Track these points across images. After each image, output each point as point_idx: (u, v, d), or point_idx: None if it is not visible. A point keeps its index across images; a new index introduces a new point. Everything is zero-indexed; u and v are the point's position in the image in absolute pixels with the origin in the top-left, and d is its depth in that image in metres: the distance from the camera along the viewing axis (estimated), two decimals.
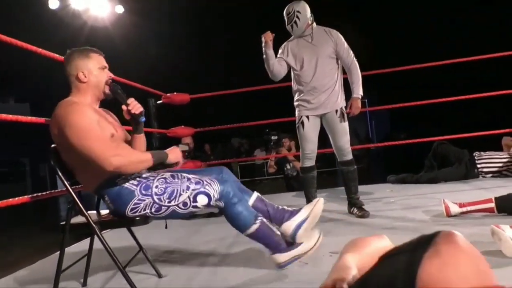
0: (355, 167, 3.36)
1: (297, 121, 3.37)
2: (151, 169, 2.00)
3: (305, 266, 2.11)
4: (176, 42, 14.86)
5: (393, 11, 16.07)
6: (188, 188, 1.88)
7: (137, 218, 1.88)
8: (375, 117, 21.81)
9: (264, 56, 3.29)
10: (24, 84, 17.61)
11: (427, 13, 16.33)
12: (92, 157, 1.77)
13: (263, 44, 3.27)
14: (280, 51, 3.39)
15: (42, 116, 2.62)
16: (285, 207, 2.17)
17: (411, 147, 5.94)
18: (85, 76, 1.97)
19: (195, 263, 2.40)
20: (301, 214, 2.12)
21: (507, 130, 4.77)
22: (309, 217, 2.11)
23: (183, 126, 4.88)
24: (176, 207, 1.88)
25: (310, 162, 3.36)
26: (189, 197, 1.88)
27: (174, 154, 2.01)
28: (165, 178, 1.91)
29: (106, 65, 2.06)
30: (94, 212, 2.11)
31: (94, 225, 1.85)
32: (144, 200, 1.86)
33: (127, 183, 1.88)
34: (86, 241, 2.36)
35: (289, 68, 3.38)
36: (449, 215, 2.83)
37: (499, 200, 2.70)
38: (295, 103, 3.39)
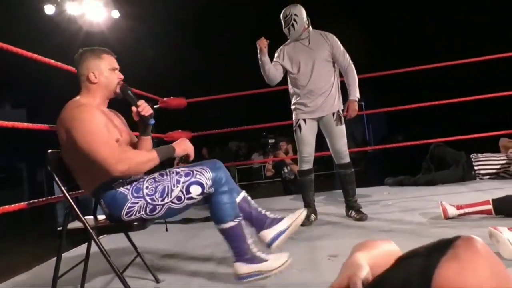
0: (353, 170, 3.36)
1: (294, 125, 3.37)
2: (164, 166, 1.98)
3: (304, 269, 2.11)
4: (172, 46, 14.89)
5: (390, 14, 16.14)
6: (178, 182, 1.87)
7: (135, 223, 1.87)
8: (372, 120, 21.88)
9: (260, 62, 3.30)
10: (21, 90, 17.61)
11: (424, 16, 16.41)
12: (98, 161, 1.77)
13: (258, 51, 3.27)
14: (276, 54, 3.40)
15: (38, 121, 2.62)
16: (268, 213, 2.14)
17: (408, 149, 5.94)
18: (96, 77, 1.96)
19: (192, 267, 2.39)
20: (283, 224, 2.10)
21: (504, 132, 4.79)
22: (289, 229, 2.09)
23: (180, 130, 4.88)
24: (171, 204, 1.86)
25: (307, 165, 3.36)
26: (181, 191, 1.86)
27: (181, 146, 1.98)
28: (154, 178, 1.90)
29: (117, 66, 2.05)
30: (91, 217, 2.10)
31: (91, 231, 1.84)
32: (137, 203, 1.85)
33: (121, 188, 1.87)
34: (84, 247, 2.36)
35: (285, 71, 3.39)
36: (446, 217, 2.83)
37: (497, 202, 2.71)
38: (292, 107, 3.40)
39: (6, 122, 2.25)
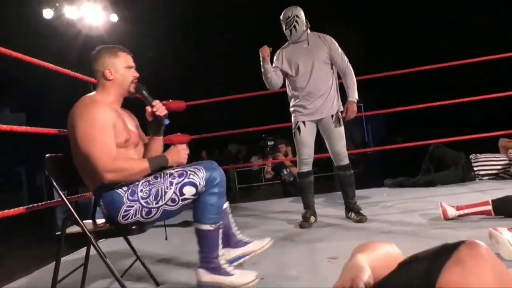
0: (352, 171, 3.36)
1: (293, 127, 3.37)
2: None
3: (304, 272, 2.10)
4: (172, 49, 14.90)
5: (388, 15, 16.17)
6: (171, 183, 1.85)
7: (134, 227, 1.87)
8: (371, 121, 21.89)
9: (262, 70, 3.30)
10: (20, 94, 17.60)
11: (422, 17, 16.43)
12: (91, 165, 1.79)
13: (261, 59, 3.28)
14: (275, 58, 3.40)
15: (38, 125, 2.62)
16: (238, 232, 2.15)
17: (408, 150, 5.94)
18: (111, 74, 1.98)
19: (192, 270, 2.38)
20: (246, 248, 2.11)
21: (503, 132, 4.79)
22: (251, 254, 2.10)
23: (179, 133, 4.87)
24: (166, 206, 1.85)
25: (307, 167, 3.36)
26: (175, 192, 1.84)
27: (174, 158, 1.95)
28: (148, 180, 1.89)
29: (133, 64, 2.06)
30: (90, 221, 2.10)
31: (89, 235, 1.84)
32: (133, 206, 1.84)
33: (120, 189, 1.87)
34: (83, 250, 2.35)
35: (285, 75, 3.39)
36: (446, 218, 2.83)
37: (496, 203, 2.71)
38: (291, 109, 3.40)
39: (5, 126, 2.26)
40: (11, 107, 20.20)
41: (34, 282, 2.58)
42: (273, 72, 3.32)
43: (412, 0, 15.67)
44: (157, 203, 1.85)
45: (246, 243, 2.11)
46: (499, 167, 4.45)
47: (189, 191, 1.85)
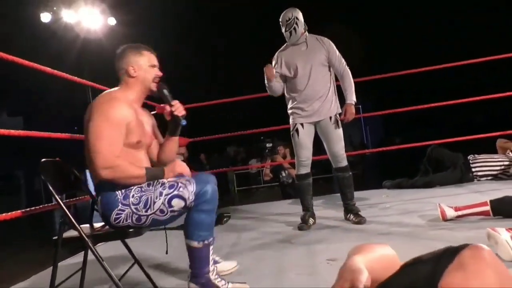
0: (351, 173, 3.36)
1: (291, 129, 3.37)
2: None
3: (303, 274, 2.10)
4: (171, 49, 14.89)
5: (388, 16, 16.20)
6: (161, 194, 1.84)
7: (131, 230, 1.86)
8: (369, 123, 21.90)
9: (267, 86, 3.36)
10: (17, 98, 17.58)
11: (420, 19, 16.47)
12: (91, 160, 1.81)
13: (265, 78, 3.31)
14: (273, 62, 3.40)
15: (35, 129, 2.61)
16: (215, 256, 2.13)
17: (406, 152, 5.95)
18: (135, 71, 2.00)
19: None
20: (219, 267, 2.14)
21: (501, 133, 4.79)
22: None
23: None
24: (155, 215, 1.85)
25: (305, 169, 3.35)
26: (163, 203, 1.83)
27: (170, 174, 1.94)
28: (141, 187, 1.88)
29: (157, 63, 2.09)
30: (87, 225, 2.09)
31: (86, 239, 1.83)
32: (124, 211, 1.84)
33: (118, 191, 1.87)
34: (81, 255, 2.34)
35: (283, 78, 3.39)
36: (445, 219, 2.83)
37: (495, 203, 2.71)
38: (289, 111, 3.40)
39: (2, 129, 2.25)
40: (8, 111, 20.20)
41: (32, 286, 2.57)
42: (276, 82, 3.34)
43: (412, 1, 15.71)
44: (146, 211, 1.84)
45: (215, 262, 2.10)
46: (497, 168, 4.45)
47: (177, 204, 1.84)
